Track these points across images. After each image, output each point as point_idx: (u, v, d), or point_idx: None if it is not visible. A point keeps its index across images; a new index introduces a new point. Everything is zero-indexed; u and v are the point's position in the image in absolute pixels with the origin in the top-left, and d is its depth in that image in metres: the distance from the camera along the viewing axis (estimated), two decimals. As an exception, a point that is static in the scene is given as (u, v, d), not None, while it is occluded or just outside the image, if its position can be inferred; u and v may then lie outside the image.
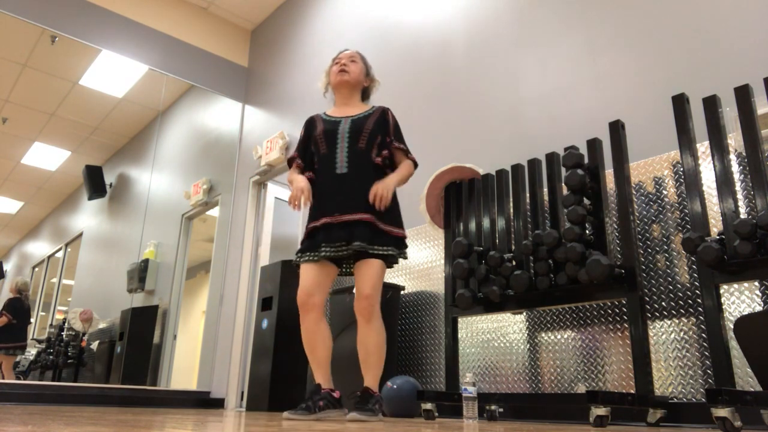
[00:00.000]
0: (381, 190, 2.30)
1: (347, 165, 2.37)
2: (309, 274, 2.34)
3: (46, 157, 5.76)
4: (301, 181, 2.39)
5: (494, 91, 3.35)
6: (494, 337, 2.91)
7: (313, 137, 2.49)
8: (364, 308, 2.26)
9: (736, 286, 2.13)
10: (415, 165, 2.52)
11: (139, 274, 5.69)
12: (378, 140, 2.44)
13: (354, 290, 3.25)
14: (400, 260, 2.47)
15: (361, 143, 2.40)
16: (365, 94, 2.65)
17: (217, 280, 5.49)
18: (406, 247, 2.42)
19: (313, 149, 2.49)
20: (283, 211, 5.48)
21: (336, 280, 3.99)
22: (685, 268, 2.29)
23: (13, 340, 5.13)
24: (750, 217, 2.00)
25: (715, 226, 2.21)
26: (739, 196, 2.17)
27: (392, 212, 2.39)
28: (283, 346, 3.88)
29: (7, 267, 5.81)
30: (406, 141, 3.82)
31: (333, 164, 2.39)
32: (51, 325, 5.70)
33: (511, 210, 2.73)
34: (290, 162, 2.56)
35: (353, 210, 2.30)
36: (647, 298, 2.37)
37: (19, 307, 5.27)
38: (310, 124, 2.56)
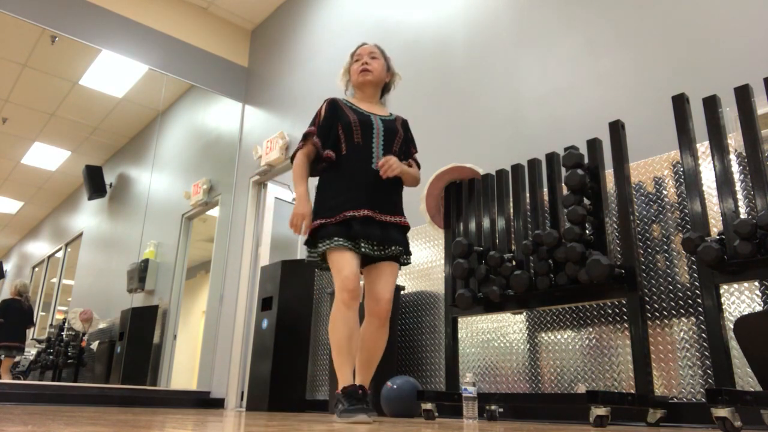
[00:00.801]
0: (394, 162, 2.24)
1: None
2: (354, 263, 2.15)
3: (46, 157, 5.76)
4: (304, 204, 2.26)
5: (494, 91, 3.35)
6: (494, 337, 2.91)
7: (345, 123, 2.33)
8: (385, 311, 2.22)
9: (736, 286, 2.13)
10: (418, 181, 2.51)
11: (139, 274, 5.69)
12: (404, 149, 2.46)
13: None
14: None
15: (395, 146, 2.38)
16: (386, 90, 2.58)
17: (217, 280, 5.49)
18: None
19: (341, 134, 2.32)
20: (283, 211, 5.48)
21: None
22: (685, 268, 2.29)
23: (7, 339, 5.12)
24: (750, 217, 2.00)
25: (715, 226, 2.21)
26: (739, 196, 2.17)
27: (401, 211, 2.38)
28: (283, 346, 3.88)
29: (7, 267, 5.81)
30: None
31: (369, 157, 2.29)
32: (51, 325, 5.70)
33: (511, 210, 2.73)
34: (306, 136, 2.38)
35: (392, 212, 2.28)
36: (647, 298, 2.37)
37: (15, 307, 5.26)
38: (336, 107, 2.39)
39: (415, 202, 3.62)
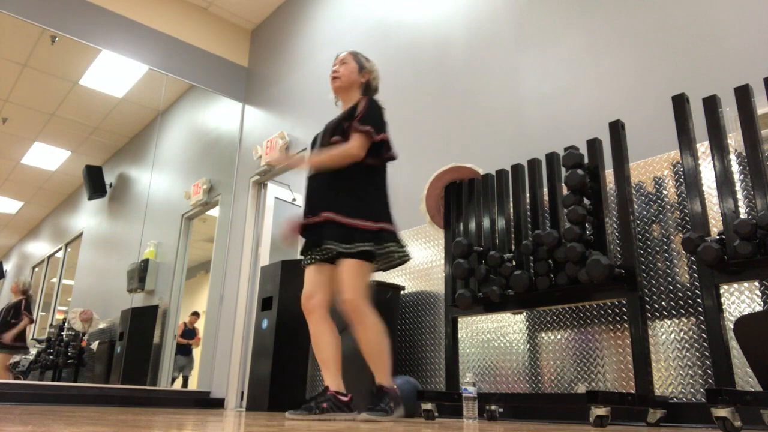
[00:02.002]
0: (295, 158, 2.40)
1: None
2: (308, 277, 2.38)
3: (46, 157, 5.76)
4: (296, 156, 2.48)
5: (494, 91, 3.35)
6: (494, 337, 2.91)
7: None
8: (348, 311, 2.23)
9: (736, 286, 2.13)
10: (369, 135, 2.30)
11: (139, 274, 5.69)
12: (338, 133, 2.38)
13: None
14: (400, 259, 2.35)
15: (323, 142, 2.44)
16: (368, 89, 2.57)
17: (217, 280, 5.49)
18: (390, 240, 2.27)
19: None
20: (283, 211, 5.48)
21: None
22: (685, 268, 2.29)
23: (20, 339, 5.15)
24: (750, 217, 2.00)
25: (715, 226, 2.21)
26: (739, 196, 2.17)
27: (358, 203, 2.27)
28: (283, 346, 3.88)
29: (7, 267, 5.81)
30: (406, 141, 3.82)
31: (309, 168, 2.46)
32: (51, 325, 5.70)
33: (511, 210, 2.73)
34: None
35: (318, 210, 2.30)
36: (647, 298, 2.37)
37: (30, 308, 5.30)
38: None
39: (415, 202, 3.62)
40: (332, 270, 2.37)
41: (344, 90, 2.54)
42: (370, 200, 2.31)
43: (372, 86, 2.59)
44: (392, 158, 2.41)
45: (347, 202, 2.26)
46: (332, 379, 2.24)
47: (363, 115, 2.34)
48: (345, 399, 2.18)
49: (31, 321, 5.21)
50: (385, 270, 2.43)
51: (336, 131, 2.39)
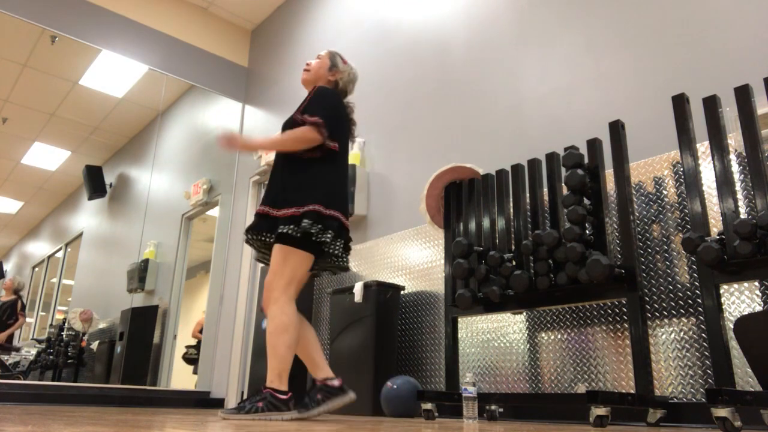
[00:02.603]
0: (231, 136, 2.28)
1: (273, 164, 2.42)
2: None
3: (46, 157, 5.76)
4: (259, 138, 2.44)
5: (494, 91, 3.35)
6: (494, 337, 2.91)
7: None
8: (265, 298, 2.21)
9: (736, 286, 2.13)
10: (316, 129, 2.23)
11: (139, 274, 5.69)
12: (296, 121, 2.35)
13: (352, 290, 3.26)
14: (325, 239, 2.17)
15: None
16: (340, 87, 2.53)
17: (217, 280, 5.49)
18: (309, 220, 2.15)
19: None
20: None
21: (337, 278, 3.99)
22: (685, 268, 2.29)
23: (9, 340, 5.14)
24: (750, 217, 2.00)
25: (715, 226, 2.21)
26: (739, 196, 2.17)
27: (289, 194, 2.23)
28: (283, 346, 3.87)
29: (7, 267, 5.81)
30: (406, 141, 3.82)
31: None
32: (51, 325, 5.70)
33: (511, 210, 2.73)
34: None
35: (264, 203, 2.31)
36: (647, 298, 2.37)
37: (24, 308, 5.29)
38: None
39: (415, 202, 3.62)
40: None
41: (310, 83, 2.55)
42: (292, 188, 2.24)
43: (339, 86, 2.53)
44: (330, 146, 2.29)
45: (276, 195, 2.27)
46: (314, 369, 2.28)
47: (313, 106, 2.31)
48: (335, 384, 2.19)
49: (25, 322, 5.20)
50: (329, 270, 2.38)
51: (287, 126, 2.37)
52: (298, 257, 2.18)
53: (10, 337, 5.20)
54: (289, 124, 2.35)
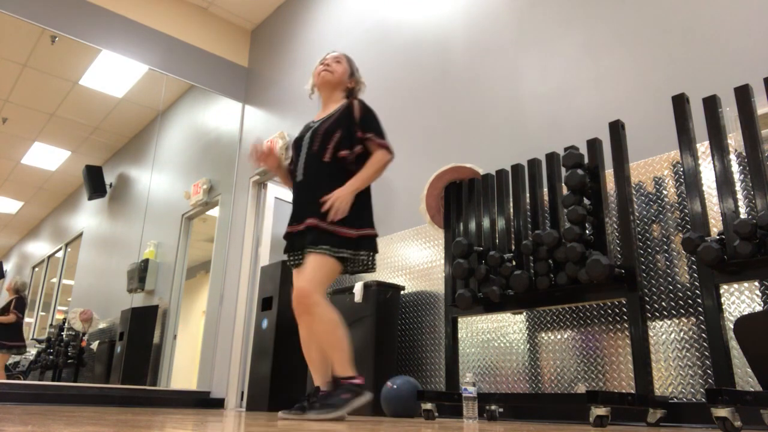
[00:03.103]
0: (336, 202, 2.24)
1: (303, 172, 2.38)
2: (295, 279, 2.37)
3: (46, 157, 5.76)
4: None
5: (494, 91, 3.35)
6: (494, 337, 2.91)
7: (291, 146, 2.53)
8: (296, 300, 2.20)
9: (736, 286, 2.13)
10: (389, 151, 2.38)
11: (139, 274, 5.69)
12: (336, 137, 2.35)
13: (352, 290, 3.26)
14: (370, 262, 2.38)
15: (314, 146, 2.38)
16: (350, 96, 2.56)
17: (217, 280, 5.49)
18: (370, 249, 2.31)
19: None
20: (283, 211, 5.48)
21: (337, 278, 3.99)
22: (685, 268, 2.29)
23: (13, 339, 5.14)
24: (750, 217, 2.00)
25: (715, 226, 2.21)
26: (739, 196, 2.17)
27: (347, 214, 2.29)
28: (283, 346, 3.88)
29: (7, 267, 5.81)
30: (406, 141, 3.82)
31: (296, 172, 2.43)
32: (51, 325, 5.70)
33: (511, 210, 2.73)
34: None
35: (305, 218, 2.30)
36: (647, 298, 2.37)
37: (22, 307, 5.28)
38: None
39: (415, 202, 3.62)
40: None
41: (331, 87, 2.52)
42: (355, 208, 2.31)
43: (354, 95, 2.57)
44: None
45: (320, 214, 2.27)
46: (321, 378, 2.29)
47: (367, 122, 2.40)
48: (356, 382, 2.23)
49: (18, 319, 5.18)
50: (350, 273, 2.41)
51: (326, 140, 2.35)
52: (332, 266, 2.25)
53: (20, 336, 5.19)
54: (328, 134, 2.36)
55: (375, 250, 2.34)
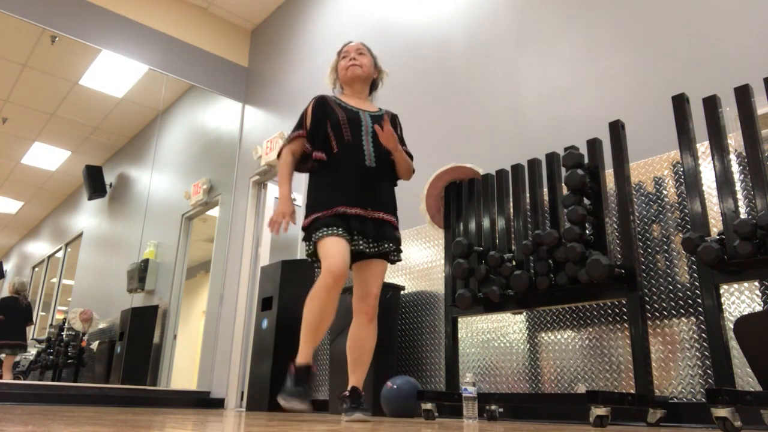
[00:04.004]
0: (391, 134, 2.25)
1: (375, 160, 2.32)
2: (345, 250, 2.14)
3: (46, 157, 5.76)
4: (286, 204, 2.34)
5: (494, 91, 3.35)
6: (494, 337, 2.91)
7: (334, 121, 2.33)
8: (372, 308, 2.26)
9: (736, 286, 2.13)
10: (413, 171, 2.52)
11: (139, 274, 5.69)
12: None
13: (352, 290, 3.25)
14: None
15: (377, 134, 2.34)
16: (374, 87, 2.61)
17: (217, 280, 5.49)
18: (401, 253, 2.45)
19: (330, 132, 2.33)
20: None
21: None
22: (685, 268, 2.29)
23: (5, 338, 5.12)
24: (750, 217, 2.00)
25: (715, 226, 2.21)
26: (739, 196, 2.17)
27: (395, 214, 2.40)
28: (283, 346, 3.88)
29: (7, 267, 5.81)
30: (406, 141, 3.82)
31: (361, 155, 2.29)
32: (51, 325, 5.70)
33: (511, 210, 2.73)
34: (292, 139, 2.40)
35: (385, 209, 2.30)
36: (647, 298, 2.37)
37: (12, 306, 5.25)
38: (324, 105, 2.38)
39: (415, 202, 3.62)
40: (356, 263, 2.35)
41: (361, 81, 2.49)
42: (395, 206, 2.43)
43: (377, 85, 2.64)
44: None
45: (396, 214, 2.38)
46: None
47: (403, 140, 2.54)
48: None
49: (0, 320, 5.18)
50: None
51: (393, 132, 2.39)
52: None
53: (16, 335, 5.18)
54: (400, 139, 2.47)
55: None
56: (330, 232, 2.15)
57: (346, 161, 2.28)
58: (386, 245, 2.26)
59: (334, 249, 2.11)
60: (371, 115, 2.42)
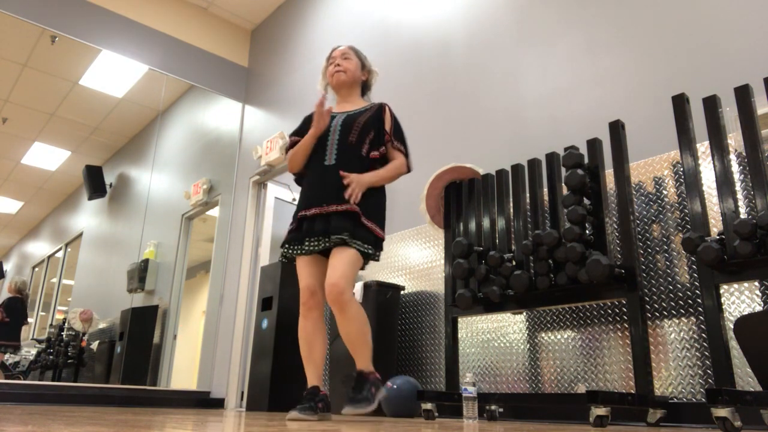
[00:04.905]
0: (354, 183, 2.25)
1: (336, 157, 2.33)
2: (308, 270, 2.29)
3: (46, 157, 5.76)
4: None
5: (494, 91, 3.35)
6: (494, 337, 2.91)
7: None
8: (330, 295, 2.14)
9: (736, 286, 2.13)
10: (409, 169, 2.47)
11: (139, 274, 5.69)
12: (371, 135, 2.39)
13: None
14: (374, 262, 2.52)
15: (351, 137, 2.36)
16: (366, 87, 2.62)
17: (217, 280, 5.49)
18: (381, 249, 2.38)
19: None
20: (283, 211, 5.48)
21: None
22: (685, 268, 2.29)
23: (5, 338, 5.12)
24: (750, 217, 2.00)
25: (715, 226, 2.21)
26: (739, 196, 2.17)
27: (377, 210, 2.34)
28: (283, 346, 3.88)
29: (7, 267, 5.81)
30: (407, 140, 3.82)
31: (323, 157, 2.36)
32: (51, 325, 5.70)
33: (511, 210, 2.73)
34: (290, 147, 2.50)
35: (337, 201, 2.24)
36: (647, 298, 2.37)
37: (15, 307, 5.26)
38: (310, 120, 2.49)
39: (415, 202, 3.62)
40: (325, 264, 2.33)
41: (346, 85, 2.53)
42: (379, 205, 2.38)
43: (369, 85, 2.64)
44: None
45: (370, 208, 2.31)
46: (320, 378, 2.27)
47: (398, 132, 2.47)
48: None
49: (2, 318, 5.17)
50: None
51: (364, 134, 2.37)
52: (360, 263, 2.28)
53: (13, 335, 5.18)
54: (366, 129, 2.39)
55: (380, 251, 2.40)
56: (283, 250, 2.36)
57: (311, 167, 2.40)
58: (337, 238, 2.21)
59: (300, 274, 2.31)
60: (348, 113, 2.45)
